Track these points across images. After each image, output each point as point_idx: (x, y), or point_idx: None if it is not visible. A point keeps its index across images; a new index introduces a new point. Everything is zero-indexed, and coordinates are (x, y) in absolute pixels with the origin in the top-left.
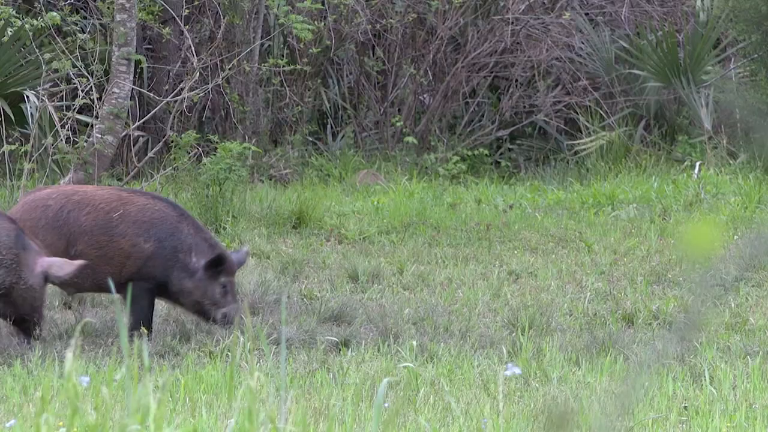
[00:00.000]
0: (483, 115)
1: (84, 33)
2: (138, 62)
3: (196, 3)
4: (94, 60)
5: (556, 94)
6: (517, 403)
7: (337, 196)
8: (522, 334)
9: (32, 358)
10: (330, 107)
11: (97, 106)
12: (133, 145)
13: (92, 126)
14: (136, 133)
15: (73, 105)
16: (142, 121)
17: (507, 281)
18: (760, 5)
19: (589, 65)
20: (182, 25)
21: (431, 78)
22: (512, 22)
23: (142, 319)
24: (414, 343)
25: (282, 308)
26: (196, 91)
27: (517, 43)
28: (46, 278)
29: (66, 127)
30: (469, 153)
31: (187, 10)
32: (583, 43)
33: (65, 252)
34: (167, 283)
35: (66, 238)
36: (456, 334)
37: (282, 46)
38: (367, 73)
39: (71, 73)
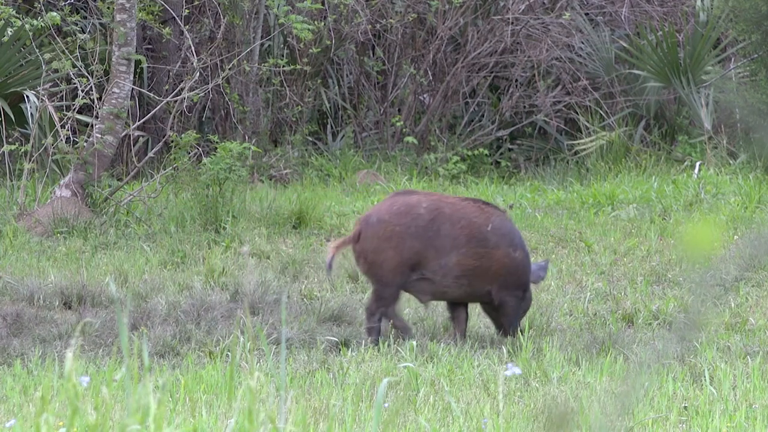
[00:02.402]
0: (483, 115)
1: (84, 33)
2: (138, 62)
3: (196, 3)
4: (94, 60)
5: (556, 94)
6: (517, 403)
7: (337, 196)
8: (522, 334)
9: (32, 358)
10: (330, 107)
11: (97, 106)
12: (133, 145)
13: (92, 126)
14: (136, 133)
15: (73, 105)
16: (142, 121)
17: None
18: (760, 5)
19: (589, 65)
20: (182, 25)
21: (431, 78)
22: (512, 22)
23: (519, 326)
24: (414, 343)
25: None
26: (196, 91)
27: (517, 43)
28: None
29: (66, 127)
30: (469, 153)
31: (187, 10)
32: (583, 43)
33: (434, 260)
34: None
35: (434, 249)
36: (456, 334)
37: (282, 46)
38: (367, 73)
39: (71, 73)
